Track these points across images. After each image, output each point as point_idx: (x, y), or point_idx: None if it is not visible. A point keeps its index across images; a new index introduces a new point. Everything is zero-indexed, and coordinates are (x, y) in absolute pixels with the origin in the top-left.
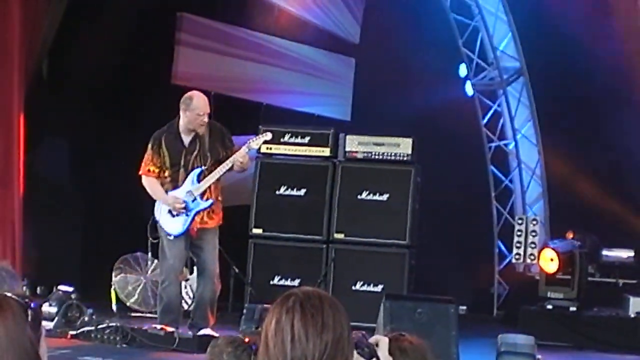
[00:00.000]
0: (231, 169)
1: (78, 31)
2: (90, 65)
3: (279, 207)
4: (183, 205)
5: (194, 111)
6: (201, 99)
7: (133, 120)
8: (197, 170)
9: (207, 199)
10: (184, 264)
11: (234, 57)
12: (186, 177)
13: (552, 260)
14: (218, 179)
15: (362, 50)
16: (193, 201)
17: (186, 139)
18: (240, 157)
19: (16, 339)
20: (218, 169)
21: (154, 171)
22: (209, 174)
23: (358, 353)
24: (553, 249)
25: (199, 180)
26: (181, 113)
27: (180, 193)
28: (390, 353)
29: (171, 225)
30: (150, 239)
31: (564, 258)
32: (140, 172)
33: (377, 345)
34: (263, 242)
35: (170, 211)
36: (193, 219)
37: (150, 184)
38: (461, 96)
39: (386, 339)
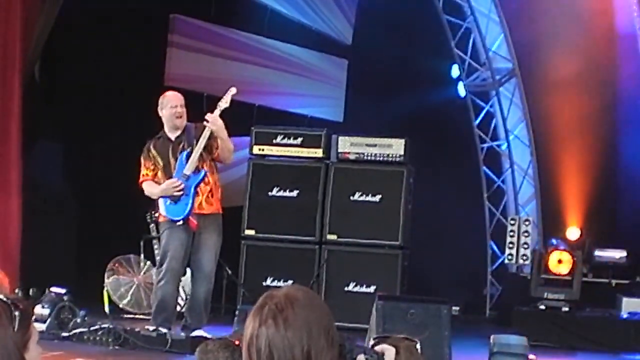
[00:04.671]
0: (212, 148)
1: (70, 34)
2: (83, 67)
3: (272, 208)
4: (179, 184)
5: (167, 106)
6: (172, 94)
7: (125, 122)
8: (184, 153)
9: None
10: (183, 265)
11: (226, 59)
12: (177, 165)
13: (560, 262)
14: (211, 165)
15: (354, 51)
16: (187, 180)
17: (173, 136)
18: (211, 118)
19: None
20: (199, 142)
21: (147, 174)
22: None
23: (367, 359)
24: (565, 250)
25: (187, 161)
26: (161, 116)
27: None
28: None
29: (174, 211)
30: (153, 233)
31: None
32: (139, 183)
33: (383, 354)
34: (255, 244)
35: (171, 200)
36: (194, 196)
37: (147, 186)
38: (453, 97)
39: (392, 349)
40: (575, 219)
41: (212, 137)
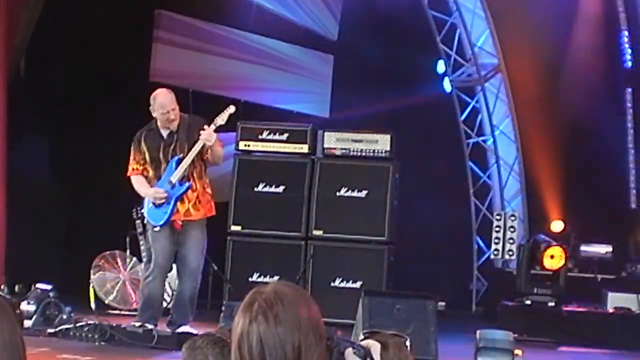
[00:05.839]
0: (202, 151)
1: (55, 29)
2: (68, 62)
3: (258, 204)
4: (163, 194)
5: (158, 110)
6: (164, 96)
7: (111, 117)
8: (175, 159)
9: (186, 182)
10: (170, 262)
11: (212, 54)
12: (167, 168)
13: (552, 257)
14: (202, 167)
15: (340, 47)
16: (172, 188)
17: (165, 133)
18: (206, 135)
19: (9, 339)
20: (191, 151)
21: (137, 169)
22: None
23: (354, 353)
24: (557, 245)
25: (176, 168)
26: (152, 113)
27: (161, 184)
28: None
29: (154, 216)
30: (137, 233)
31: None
32: (127, 175)
33: (369, 349)
34: (242, 239)
35: (154, 203)
36: (174, 206)
37: (136, 182)
38: (439, 93)
39: (378, 344)
40: (560, 213)
41: (203, 147)
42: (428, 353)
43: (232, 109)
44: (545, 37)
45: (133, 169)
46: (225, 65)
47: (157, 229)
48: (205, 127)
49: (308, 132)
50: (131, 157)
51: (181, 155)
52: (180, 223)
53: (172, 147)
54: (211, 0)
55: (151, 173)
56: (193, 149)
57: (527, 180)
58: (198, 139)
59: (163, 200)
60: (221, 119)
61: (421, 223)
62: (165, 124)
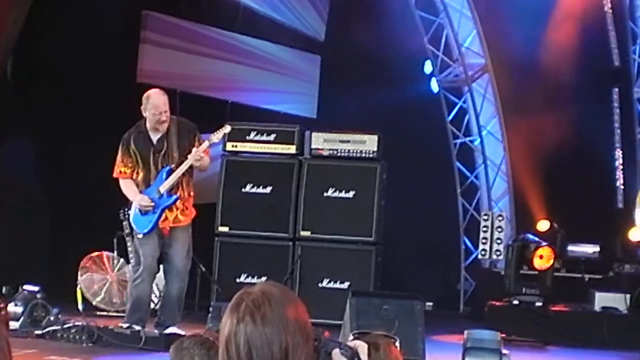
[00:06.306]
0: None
1: (42, 30)
2: (55, 64)
3: (245, 205)
4: (150, 203)
5: (150, 110)
6: (157, 98)
7: (98, 119)
8: (166, 168)
9: (174, 195)
10: (157, 263)
11: (199, 55)
12: (157, 176)
13: (541, 257)
14: (190, 175)
15: (327, 47)
16: (160, 198)
17: (154, 137)
18: (200, 151)
19: None
20: (182, 165)
21: (125, 172)
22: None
23: (341, 354)
24: (547, 246)
25: (167, 178)
26: (143, 113)
27: (149, 191)
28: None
29: (140, 223)
30: (125, 234)
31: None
32: (114, 175)
33: (356, 350)
34: (229, 240)
35: (140, 210)
36: (160, 215)
37: (124, 185)
38: (427, 93)
39: (365, 345)
40: (548, 214)
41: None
42: (415, 353)
43: (227, 128)
44: (531, 37)
45: (121, 172)
46: (212, 66)
47: (140, 236)
48: (199, 141)
49: (295, 132)
50: (119, 159)
51: (172, 165)
52: (168, 229)
53: (162, 154)
54: (198, 1)
55: (140, 176)
56: (183, 164)
57: (514, 180)
58: (188, 147)
59: (149, 209)
60: (216, 137)
61: (408, 223)
62: (155, 125)
